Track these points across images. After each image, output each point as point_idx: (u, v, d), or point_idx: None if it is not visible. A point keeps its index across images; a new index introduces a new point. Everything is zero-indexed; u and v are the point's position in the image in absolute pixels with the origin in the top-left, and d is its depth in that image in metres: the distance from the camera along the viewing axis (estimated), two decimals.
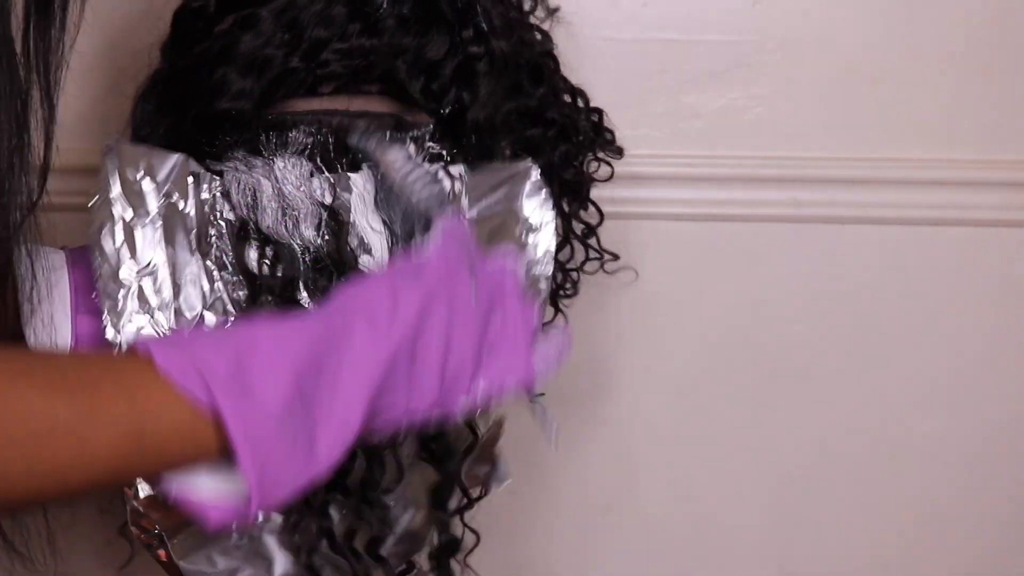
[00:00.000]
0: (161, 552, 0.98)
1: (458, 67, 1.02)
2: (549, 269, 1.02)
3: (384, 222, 1.00)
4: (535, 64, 1.08)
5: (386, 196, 0.99)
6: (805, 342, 1.42)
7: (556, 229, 1.05)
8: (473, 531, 1.17)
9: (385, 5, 0.99)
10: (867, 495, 1.46)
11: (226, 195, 0.99)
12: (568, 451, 1.44)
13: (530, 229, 1.01)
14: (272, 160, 0.98)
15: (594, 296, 1.35)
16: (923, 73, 1.36)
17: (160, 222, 0.96)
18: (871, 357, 1.42)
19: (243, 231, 0.99)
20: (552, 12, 1.19)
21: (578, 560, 1.49)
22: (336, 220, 0.98)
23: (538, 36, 1.14)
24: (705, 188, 1.39)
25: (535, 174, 1.02)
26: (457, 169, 1.01)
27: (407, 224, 0.99)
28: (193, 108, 1.00)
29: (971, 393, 1.43)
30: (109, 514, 1.39)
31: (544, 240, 1.01)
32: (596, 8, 1.34)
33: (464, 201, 1.01)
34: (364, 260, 0.99)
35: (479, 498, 1.14)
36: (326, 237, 0.98)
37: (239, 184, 0.98)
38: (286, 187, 0.97)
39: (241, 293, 0.98)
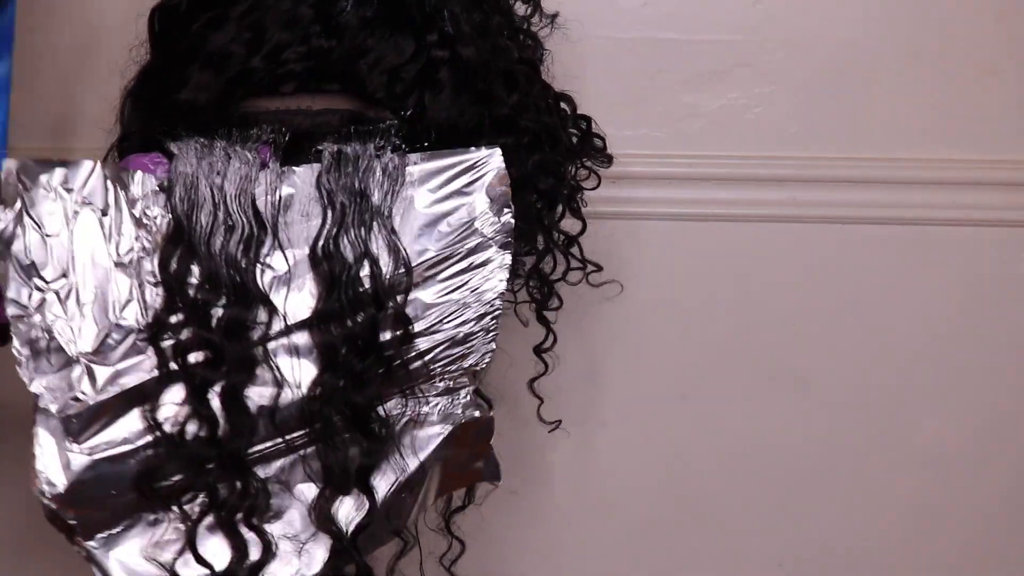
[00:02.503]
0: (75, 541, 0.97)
1: (422, 70, 1.01)
2: (506, 263, 0.99)
3: (328, 195, 0.97)
4: (509, 71, 1.07)
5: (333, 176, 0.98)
6: (805, 341, 1.42)
7: (535, 242, 1.03)
8: (459, 540, 1.17)
9: (349, 7, 0.99)
10: (867, 495, 1.45)
11: (165, 190, 0.97)
12: (568, 451, 1.44)
13: (488, 222, 0.98)
14: (227, 153, 0.97)
15: (593, 297, 1.35)
16: (923, 73, 1.36)
17: (76, 230, 0.95)
18: (871, 357, 1.42)
19: (176, 237, 0.96)
20: (552, 19, 1.18)
21: (577, 560, 1.49)
22: (258, 242, 0.96)
23: (529, 42, 1.14)
24: (705, 188, 1.39)
25: (499, 164, 0.98)
26: (414, 157, 1.00)
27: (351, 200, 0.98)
28: (160, 103, 1.01)
29: (971, 393, 1.43)
30: None
31: (505, 224, 0.98)
32: (596, 8, 1.34)
33: (416, 189, 0.98)
34: (269, 277, 0.96)
35: (462, 507, 1.14)
36: (243, 265, 0.95)
37: (184, 184, 0.96)
38: (228, 187, 0.97)
39: (159, 300, 0.96)
